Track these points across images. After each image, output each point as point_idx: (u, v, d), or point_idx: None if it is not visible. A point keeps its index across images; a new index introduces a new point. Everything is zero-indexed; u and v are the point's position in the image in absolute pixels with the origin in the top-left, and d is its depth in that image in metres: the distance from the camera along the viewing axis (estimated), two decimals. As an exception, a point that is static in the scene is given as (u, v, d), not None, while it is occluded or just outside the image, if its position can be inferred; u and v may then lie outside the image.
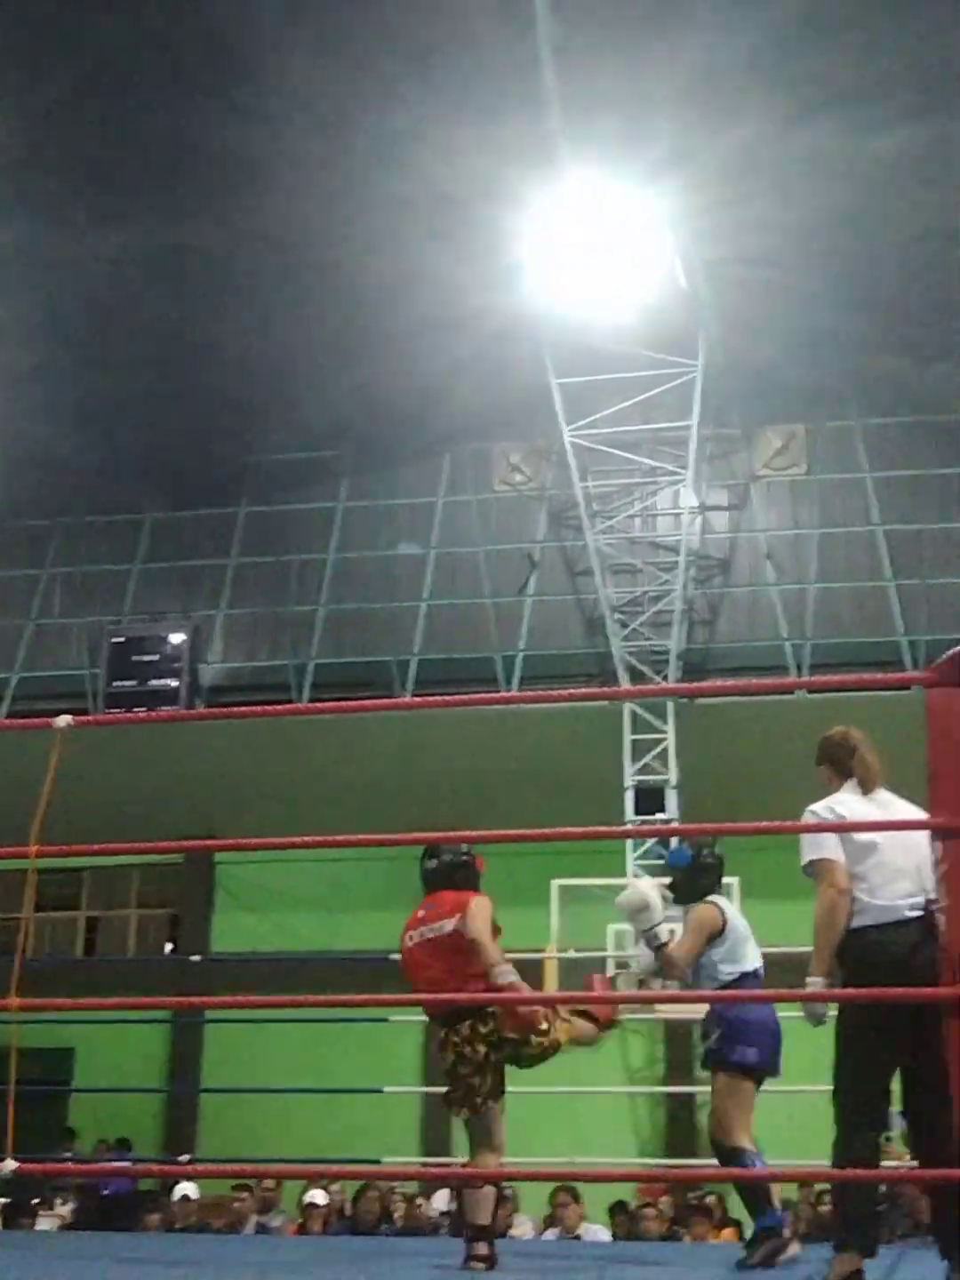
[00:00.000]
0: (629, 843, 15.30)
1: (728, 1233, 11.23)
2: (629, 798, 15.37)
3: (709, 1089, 6.68)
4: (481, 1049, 5.77)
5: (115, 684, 17.35)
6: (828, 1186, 8.09)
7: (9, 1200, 11.33)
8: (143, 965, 19.46)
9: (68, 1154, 15.21)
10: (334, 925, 18.50)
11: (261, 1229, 11.43)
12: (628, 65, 12.40)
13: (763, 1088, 6.62)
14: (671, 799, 15.33)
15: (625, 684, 15.96)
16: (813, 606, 16.47)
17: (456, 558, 17.78)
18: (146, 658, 17.44)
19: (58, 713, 4.97)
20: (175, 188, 13.77)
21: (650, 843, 15.33)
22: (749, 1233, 6.43)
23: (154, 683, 17.30)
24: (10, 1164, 4.42)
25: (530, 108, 12.70)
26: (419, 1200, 12.21)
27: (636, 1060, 17.48)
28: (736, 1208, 12.41)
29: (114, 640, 17.61)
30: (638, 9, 12.03)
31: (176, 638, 17.51)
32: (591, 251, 14.76)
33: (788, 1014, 6.44)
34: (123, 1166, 13.99)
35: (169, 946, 20.00)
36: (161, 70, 12.65)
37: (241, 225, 14.07)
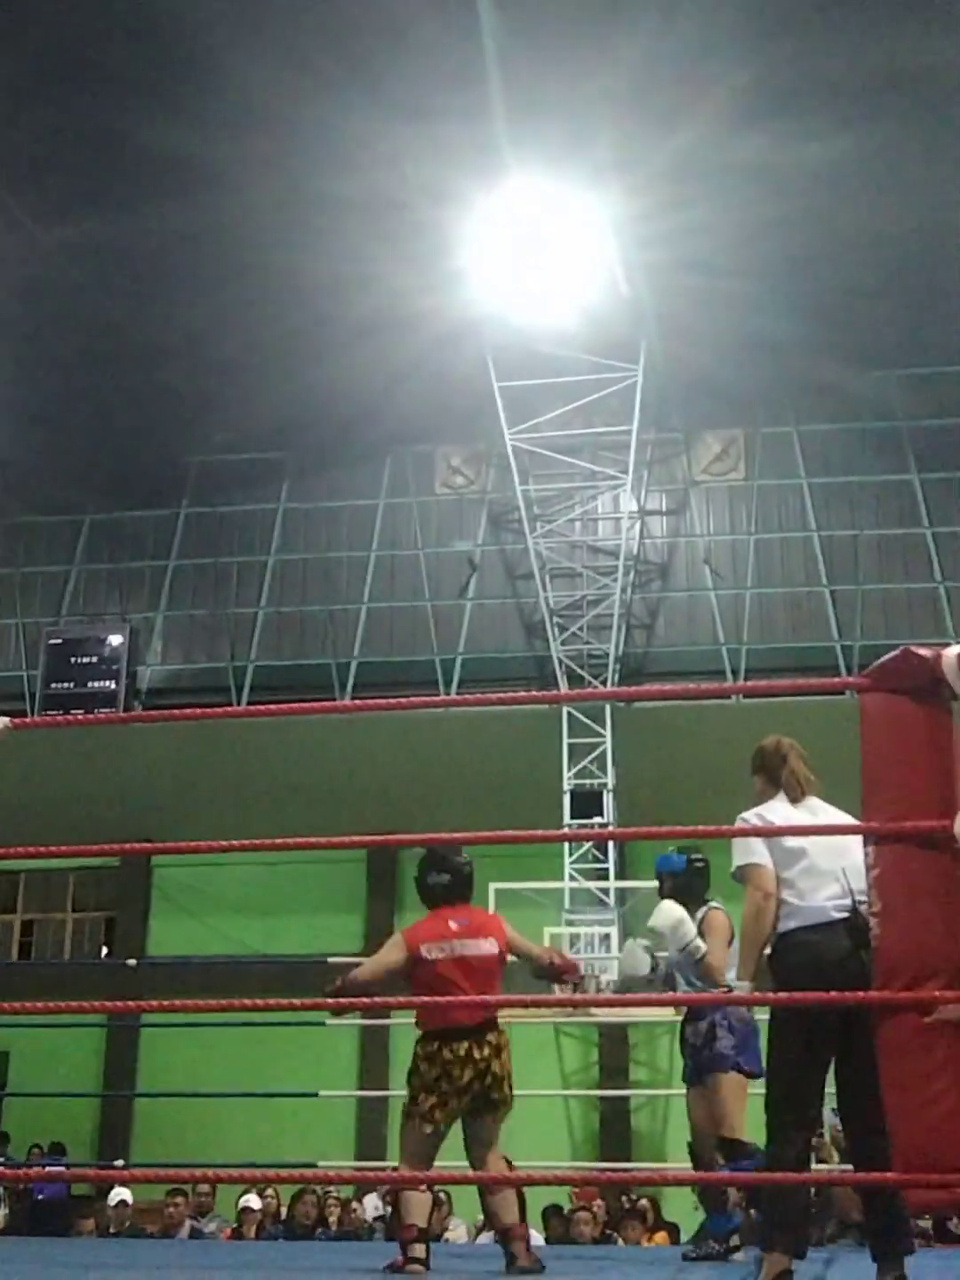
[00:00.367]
0: (566, 846, 15.35)
1: (661, 1236, 11.27)
2: (566, 801, 15.41)
3: (641, 1094, 6.74)
4: (505, 1056, 5.90)
5: (52, 685, 17.25)
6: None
7: (-60, 1205, 11.20)
8: (78, 969, 19.31)
9: (0, 1159, 15.08)
10: (271, 929, 18.44)
11: (196, 1234, 11.35)
12: (570, 71, 12.43)
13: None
14: (609, 802, 15.39)
15: (564, 687, 16.01)
16: (750, 611, 16.57)
17: (397, 560, 17.77)
18: (84, 659, 17.35)
19: (-7, 714, 4.93)
20: (118, 186, 13.69)
21: (587, 846, 15.39)
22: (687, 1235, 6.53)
23: (92, 684, 17.21)
24: (-59, 1168, 4.39)
25: (474, 112, 12.72)
26: (354, 1204, 12.18)
27: (571, 1064, 17.52)
28: (671, 1211, 12.48)
29: (51, 641, 17.51)
30: (580, 15, 12.06)
31: (115, 639, 17.43)
32: (534, 256, 14.81)
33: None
34: (56, 1171, 13.88)
35: (105, 950, 19.88)
36: (104, 68, 12.56)
37: (185, 225, 13.99)
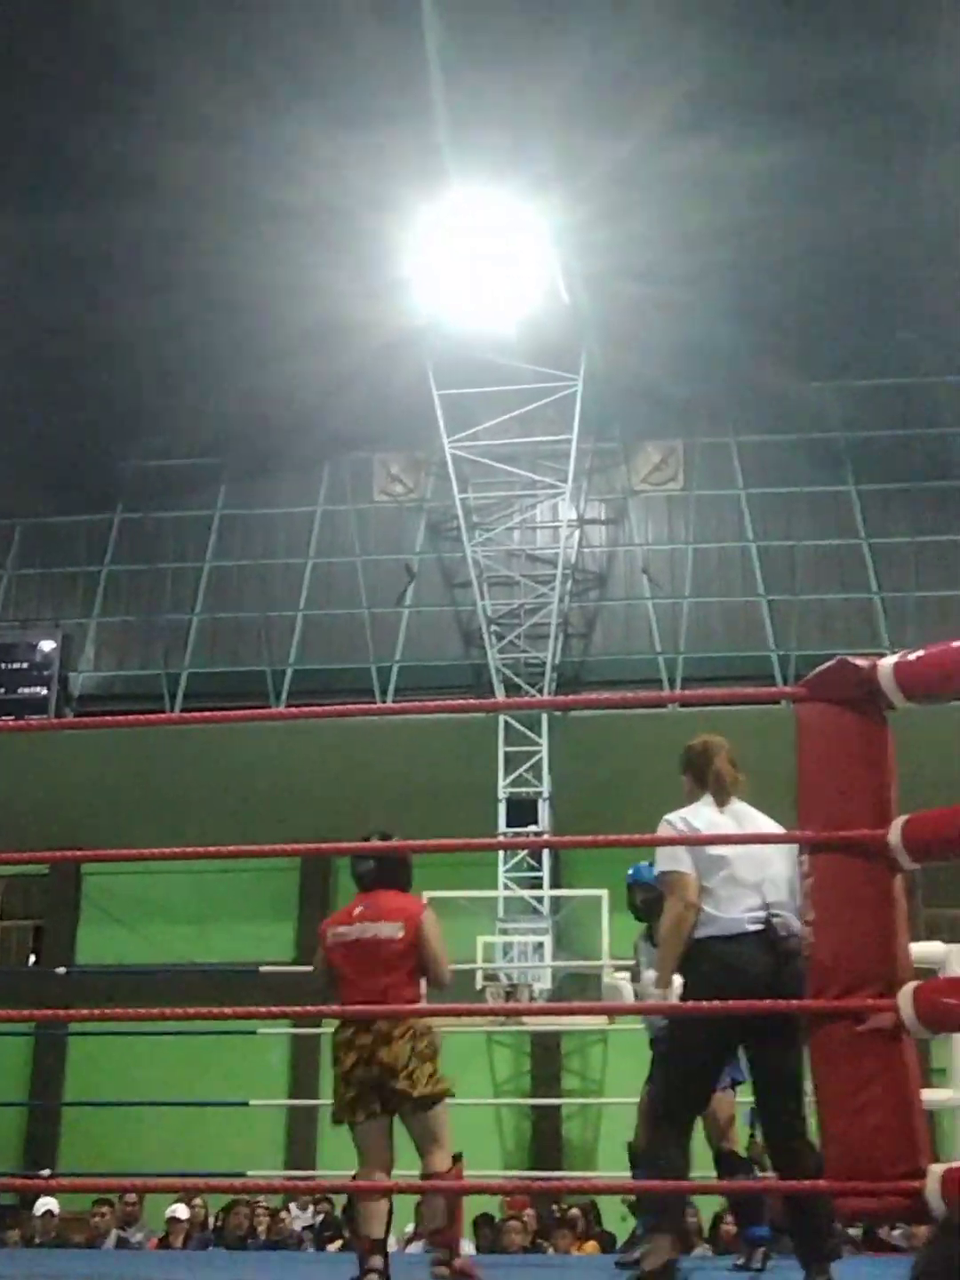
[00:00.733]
0: (501, 854, 15.33)
1: (590, 1245, 11.25)
2: (502, 809, 15.40)
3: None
4: (399, 1045, 5.51)
5: (-17, 691, 17.06)
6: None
7: None
8: (5, 976, 19.08)
9: (-75, 1169, 14.88)
10: (202, 937, 18.30)
11: (122, 1243, 11.25)
12: (512, 80, 12.46)
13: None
14: (544, 811, 15.39)
15: (500, 696, 15.99)
16: (687, 621, 16.62)
17: (334, 567, 17.70)
18: (15, 665, 17.17)
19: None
20: (55, 191, 13.60)
21: (521, 854, 15.37)
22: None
23: (23, 690, 17.04)
24: None
25: (416, 120, 12.73)
26: (282, 1213, 12.11)
27: (503, 1073, 17.49)
28: (604, 1220, 12.45)
29: (-18, 646, 17.32)
30: (522, 25, 12.09)
31: (46, 645, 17.26)
32: (476, 264, 14.81)
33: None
34: (-19, 1181, 13.70)
35: (33, 958, 19.66)
36: (42, 75, 12.50)
37: (124, 231, 13.92)
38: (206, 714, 5.04)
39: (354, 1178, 5.81)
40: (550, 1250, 10.78)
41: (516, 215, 14.17)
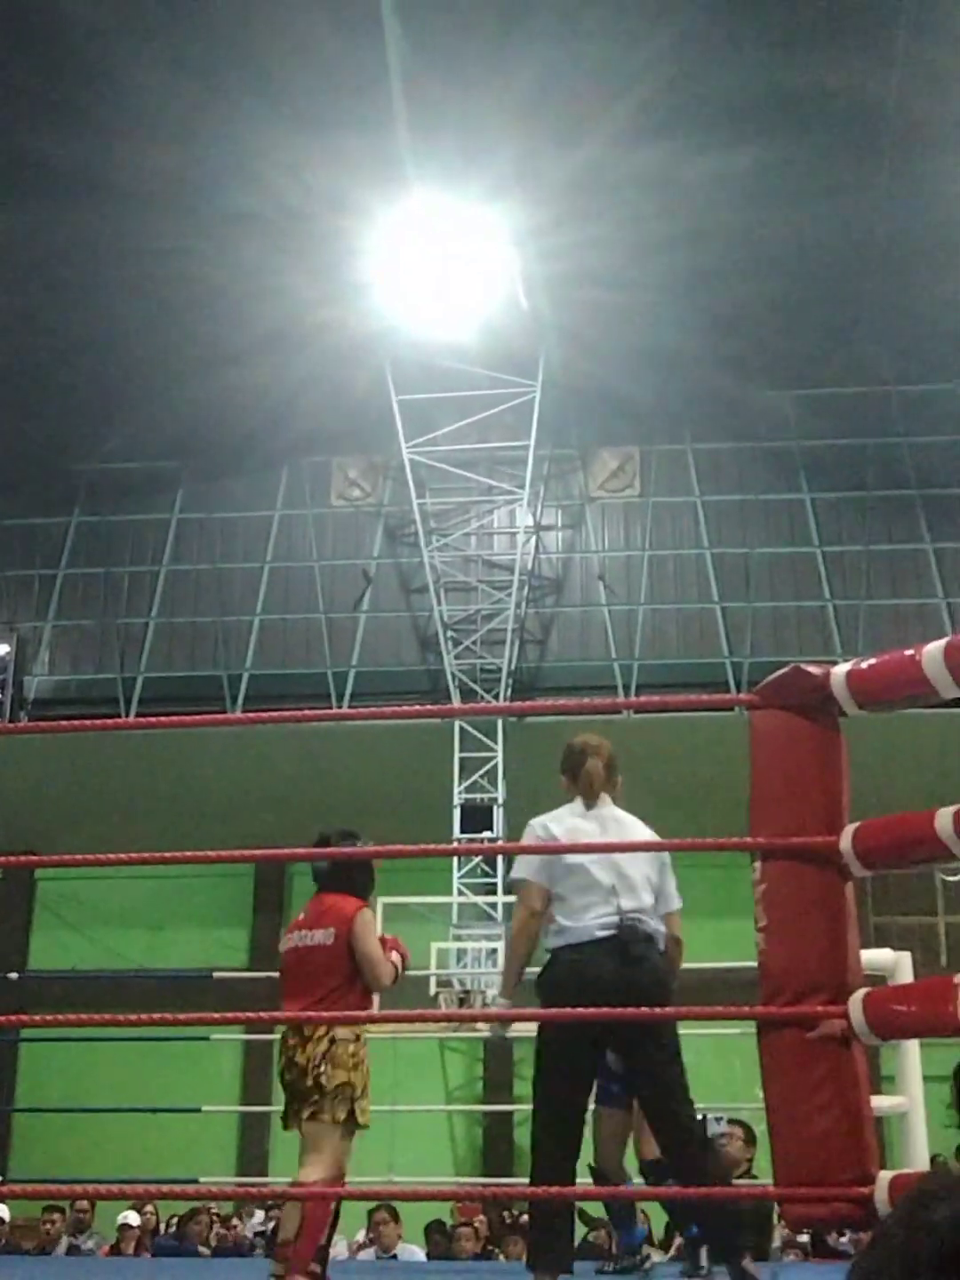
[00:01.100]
0: (455, 860, 15.32)
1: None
2: (456, 815, 15.39)
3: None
4: (314, 1047, 5.35)
5: (-64, 693, 16.93)
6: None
7: None
8: (-43, 981, 18.95)
9: None
10: (156, 942, 18.23)
11: (73, 1250, 11.19)
12: (472, 84, 12.48)
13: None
14: (498, 817, 15.39)
15: (456, 701, 15.99)
16: (642, 627, 16.65)
17: (291, 572, 17.66)
18: (-32, 668, 17.06)
19: None
20: (15, 193, 13.52)
21: (476, 860, 15.36)
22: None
23: (-24, 693, 16.92)
24: None
25: (376, 124, 12.72)
26: (234, 1220, 12.06)
27: (455, 1079, 17.48)
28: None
29: (-64, 649, 17.19)
30: (482, 29, 12.11)
31: (1, 649, 17.15)
32: (435, 269, 14.82)
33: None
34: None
35: (-15, 962, 19.51)
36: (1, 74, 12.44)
37: (84, 233, 13.85)
38: (162, 719, 5.04)
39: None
40: (501, 1256, 10.78)
41: (476, 220, 14.19)
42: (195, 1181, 10.19)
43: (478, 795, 15.48)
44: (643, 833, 5.08)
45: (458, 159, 13.25)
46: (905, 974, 6.61)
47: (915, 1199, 1.40)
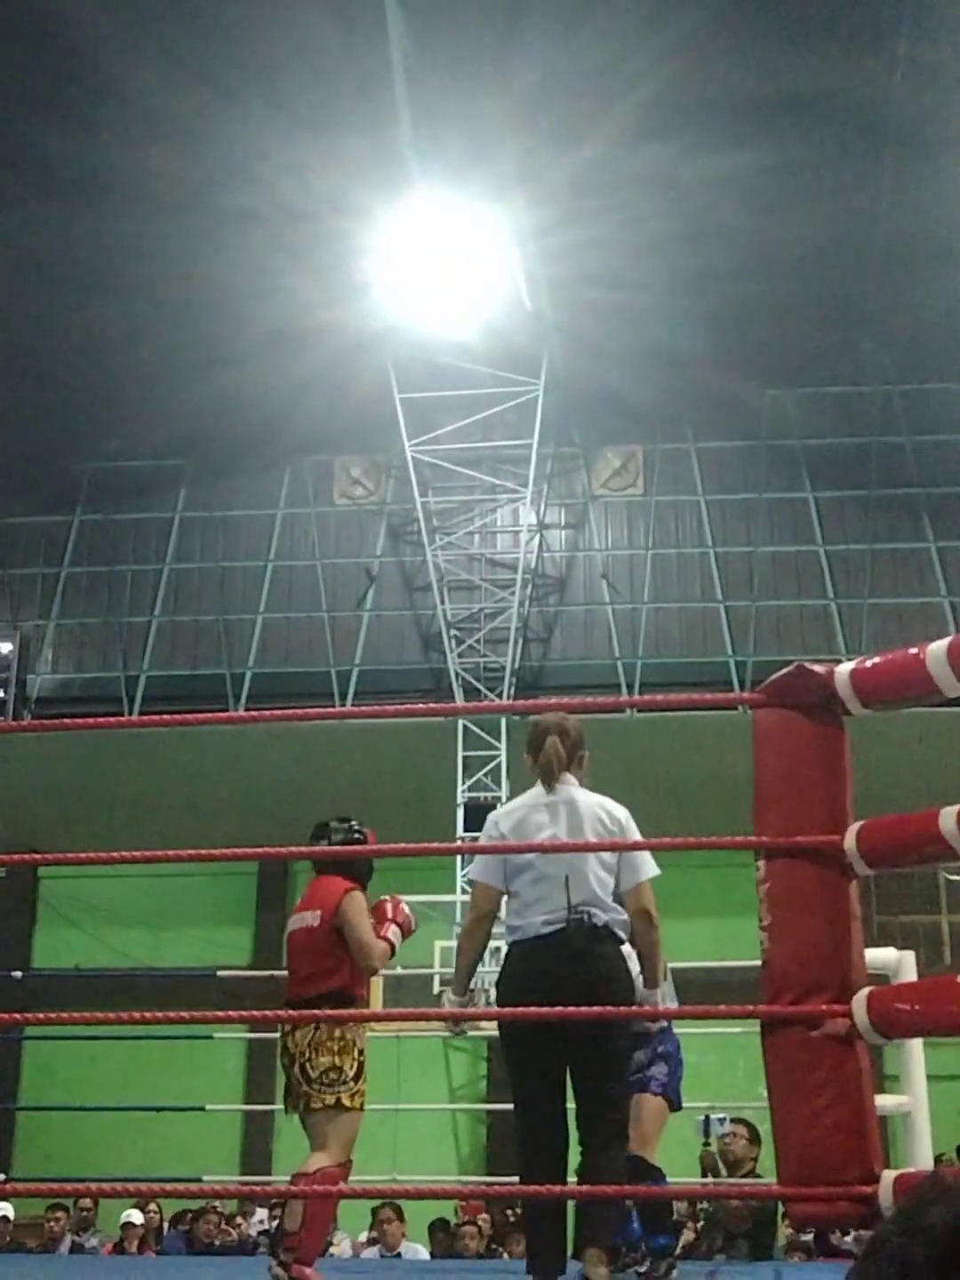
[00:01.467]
0: (458, 859, 15.32)
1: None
2: (460, 814, 15.40)
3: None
4: (303, 1035, 5.39)
5: (-61, 692, 16.94)
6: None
7: None
8: (-39, 980, 18.97)
9: None
10: (159, 941, 18.25)
11: (77, 1249, 11.21)
12: (475, 83, 12.48)
13: None
14: (502, 816, 15.38)
15: (460, 700, 16.00)
16: (645, 626, 16.65)
17: (294, 570, 17.67)
18: (-28, 667, 17.07)
19: None
20: (14, 193, 13.52)
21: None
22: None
23: (-20, 692, 16.93)
24: None
25: (378, 124, 12.72)
26: (238, 1218, 12.07)
27: (459, 1078, 17.49)
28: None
29: (-61, 648, 17.20)
30: (485, 28, 12.11)
31: (4, 647, 17.16)
32: (438, 268, 14.82)
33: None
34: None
35: (-12, 961, 19.53)
36: (1, 76, 12.43)
37: (86, 234, 13.86)
38: (165, 717, 5.05)
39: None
40: (505, 1255, 10.79)
41: (479, 220, 14.18)
42: (199, 1180, 10.22)
43: (481, 794, 15.47)
44: (599, 811, 4.98)
45: (460, 158, 13.25)
46: (909, 973, 6.61)
47: (911, 1203, 1.40)
